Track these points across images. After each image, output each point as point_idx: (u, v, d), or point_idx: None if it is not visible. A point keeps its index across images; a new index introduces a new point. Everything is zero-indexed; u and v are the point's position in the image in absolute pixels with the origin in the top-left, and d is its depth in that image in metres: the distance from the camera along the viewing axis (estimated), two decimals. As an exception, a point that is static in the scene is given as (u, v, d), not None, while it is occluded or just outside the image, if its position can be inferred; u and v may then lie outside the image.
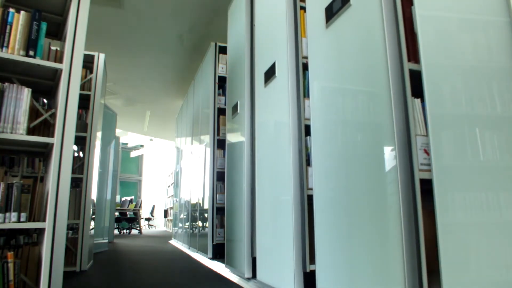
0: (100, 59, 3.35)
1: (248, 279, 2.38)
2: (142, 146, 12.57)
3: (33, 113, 1.86)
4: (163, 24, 4.40)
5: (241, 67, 2.84)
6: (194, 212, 4.34)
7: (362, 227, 1.32)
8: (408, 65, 1.21)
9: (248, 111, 2.64)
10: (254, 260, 2.35)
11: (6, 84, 1.66)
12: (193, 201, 4.45)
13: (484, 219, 1.13)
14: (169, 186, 10.75)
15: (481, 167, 1.18)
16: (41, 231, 1.77)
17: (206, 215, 3.71)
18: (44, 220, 1.65)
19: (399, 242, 1.12)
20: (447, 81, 1.23)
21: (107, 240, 4.71)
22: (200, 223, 4.02)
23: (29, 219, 1.65)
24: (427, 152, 1.17)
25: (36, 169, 2.95)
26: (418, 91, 1.24)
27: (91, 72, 3.26)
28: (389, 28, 1.25)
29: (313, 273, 1.66)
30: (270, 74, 2.22)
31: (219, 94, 3.83)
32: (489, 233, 1.13)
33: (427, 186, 1.13)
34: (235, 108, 2.92)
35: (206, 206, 3.70)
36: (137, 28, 4.49)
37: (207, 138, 3.87)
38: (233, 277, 2.52)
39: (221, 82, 3.83)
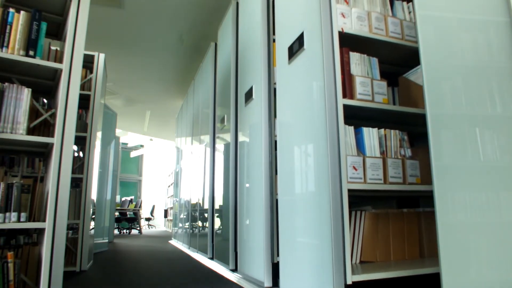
0: (100, 59, 3.34)
1: (232, 270, 2.70)
2: (142, 146, 12.57)
3: (33, 113, 1.86)
4: (163, 24, 4.40)
5: (228, 85, 3.08)
6: (194, 212, 4.34)
7: (307, 226, 1.62)
8: (342, 101, 1.51)
9: (233, 124, 2.93)
10: (237, 254, 2.70)
11: (6, 84, 1.67)
12: (193, 201, 4.45)
13: (484, 219, 1.14)
14: (169, 186, 10.75)
15: (481, 167, 1.18)
16: (41, 231, 1.77)
17: (206, 215, 3.71)
18: (44, 220, 1.65)
19: (329, 238, 1.40)
20: (447, 81, 1.23)
21: (107, 240, 4.71)
22: (200, 223, 4.02)
23: (29, 219, 1.65)
24: (355, 168, 1.53)
25: (36, 169, 2.95)
26: (354, 119, 1.66)
27: (91, 72, 3.26)
28: (328, 70, 1.52)
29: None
30: (249, 95, 2.55)
31: (219, 94, 3.81)
32: (489, 233, 1.14)
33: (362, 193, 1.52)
34: (223, 120, 3.17)
35: (206, 206, 3.70)
36: (137, 28, 4.49)
37: (207, 138, 3.87)
38: (220, 269, 2.83)
39: (221, 82, 3.81)
